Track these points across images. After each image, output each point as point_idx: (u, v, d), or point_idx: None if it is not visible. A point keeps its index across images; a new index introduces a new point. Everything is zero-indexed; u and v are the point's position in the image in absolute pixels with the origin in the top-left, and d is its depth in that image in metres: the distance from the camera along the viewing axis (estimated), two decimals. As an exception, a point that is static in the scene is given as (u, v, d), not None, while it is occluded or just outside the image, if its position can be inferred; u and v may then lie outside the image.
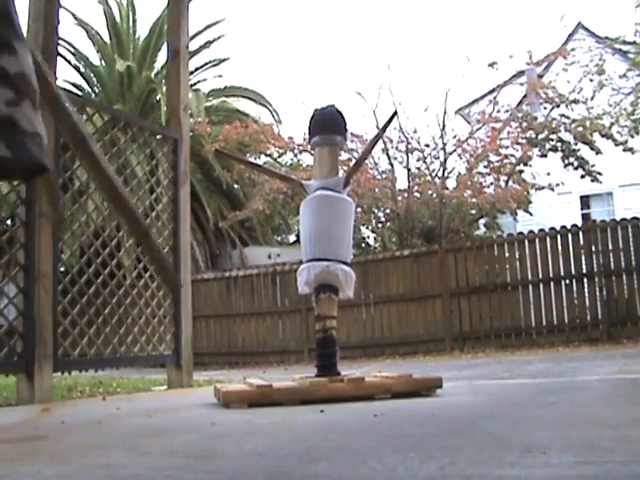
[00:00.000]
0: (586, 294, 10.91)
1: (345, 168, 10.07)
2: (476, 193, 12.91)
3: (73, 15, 16.77)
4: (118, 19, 17.53)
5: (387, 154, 14.25)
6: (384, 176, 14.21)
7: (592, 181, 14.04)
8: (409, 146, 14.02)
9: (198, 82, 17.94)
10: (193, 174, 12.97)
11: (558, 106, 14.40)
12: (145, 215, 5.75)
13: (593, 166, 13.88)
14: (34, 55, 2.19)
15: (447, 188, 13.56)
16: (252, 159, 16.57)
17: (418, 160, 14.26)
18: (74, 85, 16.93)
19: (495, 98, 14.59)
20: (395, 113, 5.04)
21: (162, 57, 17.10)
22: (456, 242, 12.71)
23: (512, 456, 1.92)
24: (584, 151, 13.85)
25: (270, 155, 17.01)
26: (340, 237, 4.33)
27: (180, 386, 5.76)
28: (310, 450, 2.22)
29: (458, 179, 13.50)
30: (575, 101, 14.26)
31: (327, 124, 4.54)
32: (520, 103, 15.20)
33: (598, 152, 13.61)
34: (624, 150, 13.75)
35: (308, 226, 4.37)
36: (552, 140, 13.90)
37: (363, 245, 16.10)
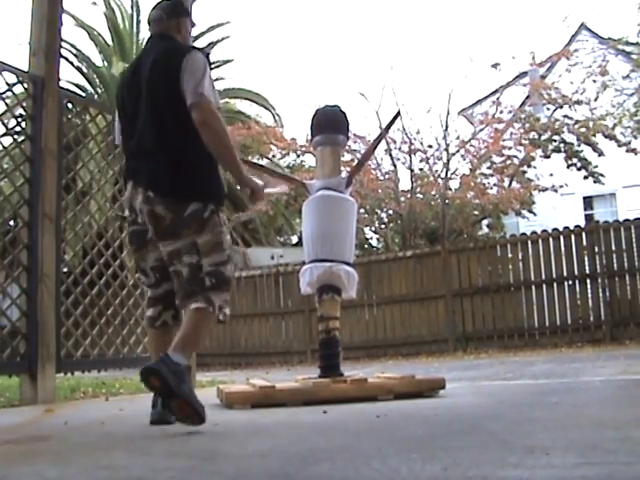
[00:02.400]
0: (589, 295, 10.89)
1: (348, 169, 10.07)
2: (479, 194, 12.90)
3: (74, 17, 16.79)
4: (120, 20, 17.55)
5: (390, 155, 14.25)
6: (387, 177, 14.20)
7: (595, 182, 14.03)
8: (412, 147, 14.02)
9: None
10: (196, 175, 12.94)
11: (561, 107, 14.39)
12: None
13: (596, 167, 13.87)
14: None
15: (450, 189, 13.55)
16: (254, 160, 16.59)
17: (421, 161, 14.26)
18: (77, 86, 16.93)
19: (498, 99, 14.59)
20: (398, 113, 5.03)
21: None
22: (459, 243, 12.71)
23: (515, 457, 1.92)
24: (587, 152, 13.84)
25: (273, 156, 17.02)
26: (343, 237, 4.31)
27: (183, 387, 5.75)
28: (313, 451, 2.22)
29: (461, 180, 13.50)
30: (578, 102, 14.25)
31: (329, 123, 4.50)
32: (523, 104, 15.19)
33: (601, 153, 13.60)
34: (627, 151, 13.74)
35: (310, 226, 4.36)
36: (555, 141, 13.89)
37: (366, 246, 16.10)
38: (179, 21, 3.31)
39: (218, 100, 3.13)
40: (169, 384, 2.67)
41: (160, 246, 3.07)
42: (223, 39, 17.82)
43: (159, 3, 3.34)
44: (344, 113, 4.58)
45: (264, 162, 17.02)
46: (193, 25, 3.47)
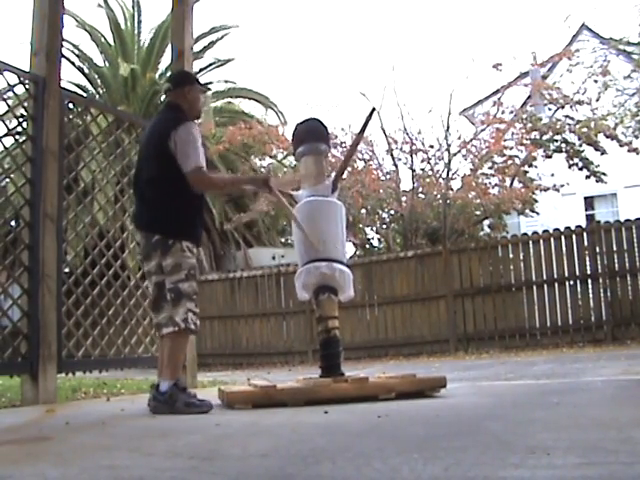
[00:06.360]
0: (590, 295, 10.89)
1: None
2: (481, 194, 12.88)
3: (75, 18, 16.80)
4: (122, 21, 17.55)
5: (391, 155, 14.24)
6: (388, 177, 14.19)
7: (597, 182, 14.01)
8: (413, 147, 14.01)
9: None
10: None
11: (562, 107, 14.37)
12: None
13: (598, 166, 13.85)
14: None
15: (452, 189, 13.54)
16: (256, 160, 16.62)
17: (422, 161, 14.25)
18: (78, 86, 16.95)
19: (499, 99, 14.58)
20: (373, 110, 5.00)
21: (166, 58, 17.13)
22: (460, 243, 12.70)
23: (516, 457, 1.92)
24: (589, 152, 13.82)
25: (274, 157, 17.01)
26: (334, 238, 4.37)
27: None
28: (314, 451, 2.22)
29: (463, 180, 13.48)
30: (579, 102, 14.23)
31: (310, 134, 4.61)
32: (524, 104, 15.17)
33: (604, 152, 13.57)
34: (629, 151, 13.71)
35: (301, 230, 4.37)
36: (557, 141, 13.87)
37: (367, 246, 16.08)
38: (184, 89, 3.98)
39: (201, 160, 3.75)
40: (165, 412, 3.59)
41: None
42: (223, 37, 17.73)
43: (171, 75, 4.23)
44: (323, 124, 4.69)
45: (268, 162, 17.11)
46: (204, 91, 4.20)
